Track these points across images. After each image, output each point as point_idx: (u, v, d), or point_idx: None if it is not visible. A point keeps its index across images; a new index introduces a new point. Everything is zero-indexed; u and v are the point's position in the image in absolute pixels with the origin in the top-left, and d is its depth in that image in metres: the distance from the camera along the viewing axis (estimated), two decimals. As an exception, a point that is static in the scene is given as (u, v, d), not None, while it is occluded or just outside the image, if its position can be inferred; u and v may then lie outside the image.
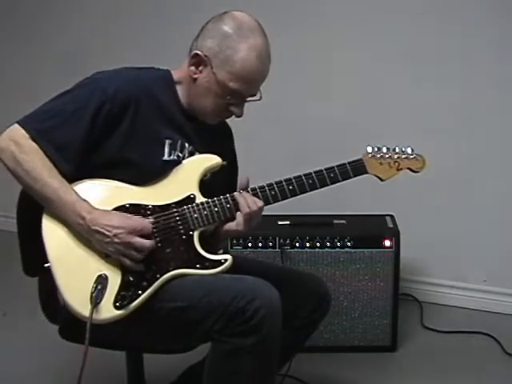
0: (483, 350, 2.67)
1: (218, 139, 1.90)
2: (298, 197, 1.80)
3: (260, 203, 1.75)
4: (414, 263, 3.05)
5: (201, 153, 1.84)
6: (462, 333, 2.79)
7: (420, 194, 3.03)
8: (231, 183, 1.92)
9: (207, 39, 1.75)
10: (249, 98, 1.80)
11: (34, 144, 1.67)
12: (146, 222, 1.69)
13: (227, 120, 1.92)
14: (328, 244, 2.56)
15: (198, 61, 1.76)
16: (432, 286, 3.10)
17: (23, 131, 1.67)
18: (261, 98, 1.80)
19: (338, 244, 2.56)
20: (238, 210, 1.76)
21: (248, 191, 1.78)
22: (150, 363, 2.03)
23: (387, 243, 2.55)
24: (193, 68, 1.77)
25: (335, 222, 2.65)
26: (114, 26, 3.56)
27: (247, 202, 1.74)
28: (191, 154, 1.83)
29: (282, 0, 3.16)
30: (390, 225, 2.64)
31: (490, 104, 2.88)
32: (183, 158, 1.81)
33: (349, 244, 2.56)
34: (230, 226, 1.78)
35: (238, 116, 1.82)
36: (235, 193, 1.77)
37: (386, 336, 2.62)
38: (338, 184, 1.82)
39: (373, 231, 2.61)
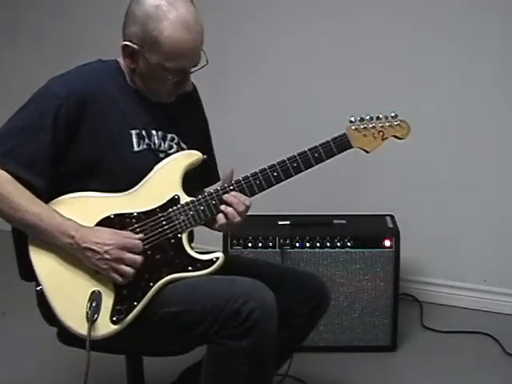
0: (483, 350, 2.66)
1: (183, 112, 1.86)
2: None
3: (247, 201, 1.72)
4: (414, 263, 3.05)
5: (169, 132, 1.81)
6: (462, 333, 2.79)
7: (420, 194, 3.03)
8: (208, 154, 1.87)
9: (131, 25, 1.68)
10: (193, 69, 1.74)
11: (3, 172, 1.63)
12: (138, 241, 1.66)
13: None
14: (328, 244, 2.55)
15: (130, 52, 1.71)
16: (432, 285, 3.09)
17: None
18: (207, 61, 1.73)
19: (338, 244, 2.56)
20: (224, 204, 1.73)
21: (233, 186, 1.74)
22: (150, 365, 2.03)
23: (387, 243, 2.55)
24: (128, 59, 1.73)
25: (335, 221, 2.65)
26: (113, 25, 3.55)
27: (236, 210, 1.71)
28: (163, 138, 1.79)
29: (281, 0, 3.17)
30: (390, 225, 2.64)
31: (490, 104, 2.88)
32: (154, 145, 1.77)
33: (349, 244, 2.56)
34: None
35: (188, 90, 1.78)
36: (224, 196, 1.72)
37: (386, 336, 2.62)
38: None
39: (373, 231, 2.60)
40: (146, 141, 1.77)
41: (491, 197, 2.95)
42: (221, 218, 1.73)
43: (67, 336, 1.73)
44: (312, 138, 1.81)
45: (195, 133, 1.89)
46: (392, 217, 2.70)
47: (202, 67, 1.73)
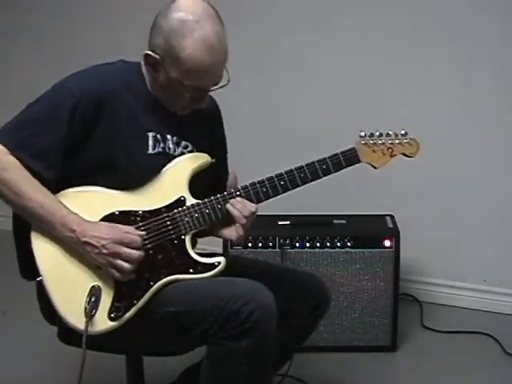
0: (483, 350, 2.67)
1: (198, 127, 1.85)
2: (291, 192, 1.77)
3: (253, 208, 1.73)
4: (414, 263, 3.05)
5: (184, 139, 1.80)
6: (462, 333, 2.79)
7: (420, 194, 3.03)
8: (221, 170, 1.89)
9: (156, 36, 1.67)
10: (213, 88, 1.72)
11: (13, 158, 1.63)
12: (136, 236, 1.64)
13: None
14: (328, 244, 2.56)
15: (151, 61, 1.70)
16: (432, 285, 3.10)
17: (0, 146, 1.63)
18: (228, 81, 1.72)
19: (338, 244, 2.56)
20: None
21: (240, 192, 1.75)
22: (150, 365, 2.02)
23: (387, 243, 2.55)
24: (149, 68, 1.73)
25: (335, 221, 2.65)
26: (112, 25, 3.56)
27: (242, 213, 1.72)
28: (177, 144, 1.79)
29: (281, 1, 3.17)
30: (390, 225, 2.64)
31: (490, 105, 2.88)
32: (169, 149, 1.77)
33: (349, 244, 2.56)
34: (228, 235, 1.78)
35: (203, 107, 1.77)
36: (228, 205, 1.73)
37: (386, 336, 2.62)
38: (331, 176, 1.78)
39: (373, 231, 2.61)
40: (161, 145, 1.77)
41: (491, 197, 2.95)
42: (231, 230, 1.76)
43: (67, 335, 1.73)
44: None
45: (209, 147, 1.85)
46: (392, 217, 2.70)
47: (223, 86, 1.72)
